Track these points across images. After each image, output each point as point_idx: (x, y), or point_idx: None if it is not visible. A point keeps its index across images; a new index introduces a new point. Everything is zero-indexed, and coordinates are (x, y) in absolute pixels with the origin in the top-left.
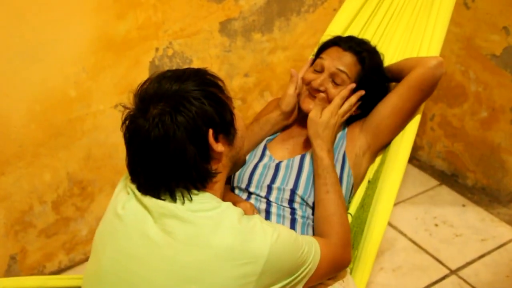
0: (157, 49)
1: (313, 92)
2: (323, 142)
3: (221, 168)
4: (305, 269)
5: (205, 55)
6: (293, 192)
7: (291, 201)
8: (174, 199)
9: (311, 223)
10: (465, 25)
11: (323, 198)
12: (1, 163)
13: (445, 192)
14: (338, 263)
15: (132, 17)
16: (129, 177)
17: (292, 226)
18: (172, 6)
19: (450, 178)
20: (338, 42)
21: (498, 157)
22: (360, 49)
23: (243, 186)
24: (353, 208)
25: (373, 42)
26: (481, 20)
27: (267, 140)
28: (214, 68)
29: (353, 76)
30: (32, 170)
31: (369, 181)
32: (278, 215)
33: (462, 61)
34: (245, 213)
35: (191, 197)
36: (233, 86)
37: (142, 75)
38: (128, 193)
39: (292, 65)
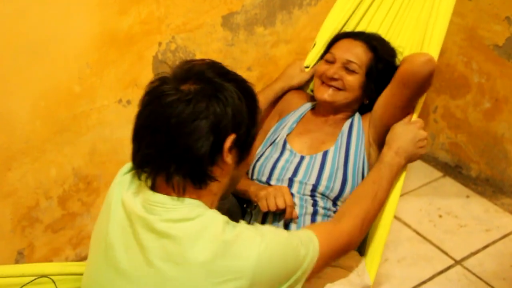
0: (160, 44)
1: (327, 81)
2: (393, 143)
3: (220, 177)
4: (301, 272)
5: (207, 49)
6: (315, 186)
7: (312, 194)
8: (169, 185)
9: (332, 214)
10: (467, 16)
11: (365, 184)
12: (7, 159)
13: (449, 183)
14: (341, 250)
15: (135, 12)
16: (124, 172)
17: (313, 217)
18: (174, 1)
19: (454, 170)
20: (349, 34)
21: (502, 148)
22: (371, 38)
23: (264, 179)
24: None
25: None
26: (483, 11)
27: (287, 134)
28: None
29: (364, 64)
30: (38, 166)
31: None
32: (301, 206)
33: (464, 52)
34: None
35: (184, 191)
36: None
37: (146, 70)
38: (117, 195)
39: (295, 58)
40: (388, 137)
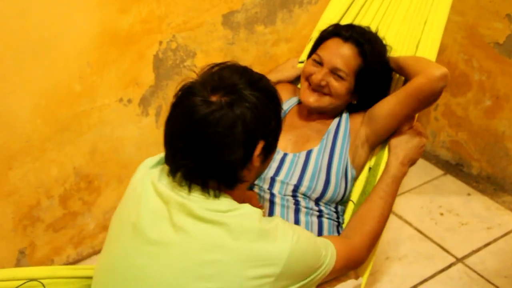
0: (160, 43)
1: (315, 87)
2: (401, 153)
3: (248, 178)
4: (321, 271)
5: (208, 47)
6: (296, 187)
7: (294, 195)
8: (204, 191)
9: (315, 213)
10: (467, 14)
11: (374, 200)
12: (8, 158)
13: (450, 181)
14: (351, 265)
15: (135, 11)
16: (150, 166)
17: (296, 215)
18: (175, 0)
19: (455, 168)
20: (338, 32)
21: (503, 146)
22: (362, 40)
23: None
24: (355, 195)
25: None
26: (484, 8)
27: None
28: (218, 61)
29: (351, 71)
30: (39, 165)
31: (370, 168)
32: (282, 206)
33: (465, 50)
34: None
35: (218, 194)
36: None
37: (146, 68)
38: (147, 185)
39: (295, 57)
40: (393, 143)
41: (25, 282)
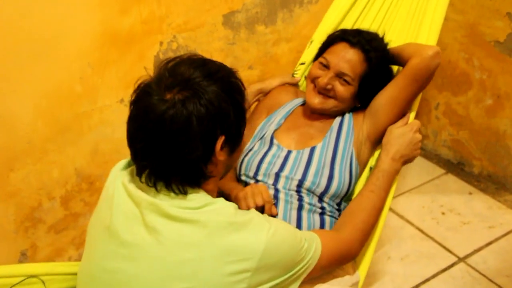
0: (161, 43)
1: (320, 90)
2: (391, 148)
3: (215, 172)
4: (303, 265)
5: (209, 48)
6: (301, 182)
7: (298, 190)
8: (169, 190)
9: (317, 210)
10: (468, 12)
11: (364, 195)
12: (9, 159)
13: (451, 180)
14: (341, 258)
15: (136, 12)
16: (121, 168)
17: (299, 212)
18: (175, 0)
19: (456, 167)
20: (346, 37)
21: (504, 144)
22: (369, 47)
23: (251, 174)
24: (355, 194)
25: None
26: (484, 7)
27: (274, 129)
28: (218, 61)
29: (357, 76)
30: (40, 166)
31: (371, 168)
32: (286, 201)
33: (465, 48)
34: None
35: (185, 191)
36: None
37: (147, 69)
38: (119, 187)
39: (296, 57)
40: (384, 141)
41: (24, 279)
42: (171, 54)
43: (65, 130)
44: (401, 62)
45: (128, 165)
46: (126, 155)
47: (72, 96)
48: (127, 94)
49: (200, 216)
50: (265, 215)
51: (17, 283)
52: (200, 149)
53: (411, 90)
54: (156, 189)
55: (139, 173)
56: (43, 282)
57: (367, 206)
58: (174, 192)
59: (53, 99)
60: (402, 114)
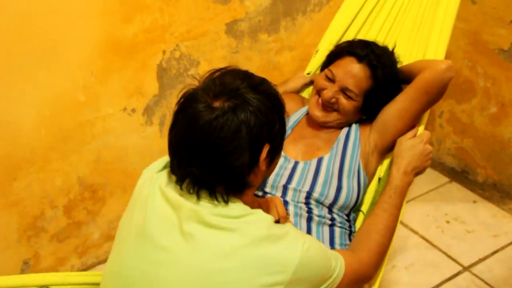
0: (164, 52)
1: (324, 102)
2: (402, 161)
3: (254, 182)
4: (330, 283)
5: (212, 56)
6: (309, 194)
7: (307, 202)
8: (212, 198)
9: (327, 221)
10: (471, 20)
11: (377, 214)
12: (12, 168)
13: (456, 188)
14: (359, 280)
15: (139, 20)
16: (156, 170)
17: (309, 224)
18: (178, 9)
19: (461, 175)
20: (354, 51)
21: (509, 152)
22: (376, 63)
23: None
24: (365, 205)
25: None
26: (487, 15)
27: None
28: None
29: (362, 92)
30: (43, 175)
31: (379, 179)
32: (295, 214)
33: (469, 56)
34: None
35: (227, 200)
36: None
37: (150, 78)
38: (155, 190)
39: (299, 65)
40: (395, 153)
41: None
42: (174, 63)
43: (68, 138)
44: (411, 77)
45: (163, 168)
46: (129, 164)
47: (75, 105)
48: (130, 103)
49: (240, 225)
50: (300, 230)
51: None
52: (247, 157)
53: (422, 103)
54: (198, 197)
55: (180, 180)
56: None
57: (380, 227)
58: (217, 200)
59: (56, 107)
60: (411, 126)
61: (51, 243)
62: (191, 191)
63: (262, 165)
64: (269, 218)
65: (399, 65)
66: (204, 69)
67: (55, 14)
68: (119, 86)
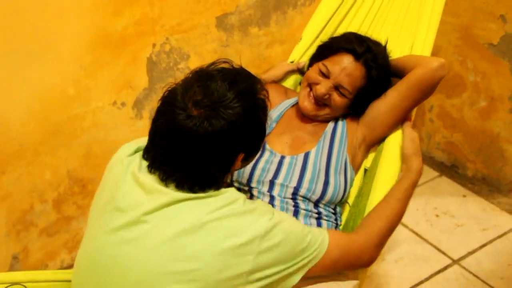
0: (154, 45)
1: (317, 97)
2: (419, 159)
3: (228, 178)
4: (307, 257)
5: (202, 50)
6: (296, 189)
7: (294, 197)
8: (178, 188)
9: (314, 215)
10: (462, 15)
11: (390, 202)
12: (1, 162)
13: (445, 183)
14: (351, 260)
15: (129, 14)
16: (127, 154)
17: (295, 217)
18: (168, 2)
19: (450, 169)
20: (352, 49)
21: (498, 147)
22: (373, 64)
23: (244, 181)
24: (351, 197)
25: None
26: (478, 9)
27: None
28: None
29: (355, 90)
30: (33, 169)
31: (366, 170)
32: (282, 208)
33: (459, 51)
34: None
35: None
36: None
37: (140, 71)
38: (126, 175)
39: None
40: (412, 150)
41: (8, 286)
42: (164, 56)
43: (58, 132)
44: (403, 73)
45: (135, 151)
46: None
47: (64, 99)
48: (120, 97)
49: (209, 201)
50: (271, 206)
51: None
52: (219, 165)
53: (414, 100)
54: (166, 185)
55: (153, 170)
56: None
57: (390, 214)
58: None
59: (45, 101)
60: (400, 122)
61: (40, 237)
62: (161, 181)
63: (237, 166)
64: (240, 196)
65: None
66: (194, 63)
67: (45, 8)
68: (108, 80)
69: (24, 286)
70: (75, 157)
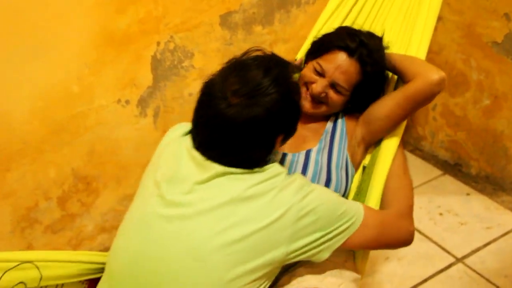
0: (158, 43)
1: (313, 96)
2: None
3: (270, 157)
4: (344, 223)
5: (206, 48)
6: None
7: None
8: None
9: None
10: (465, 13)
11: (401, 176)
12: (5, 159)
13: (449, 181)
14: (391, 232)
15: (133, 12)
16: (181, 134)
17: None
18: (172, 0)
19: (454, 168)
20: (345, 46)
21: (501, 145)
22: (367, 60)
23: None
24: (350, 194)
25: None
26: (481, 7)
27: None
28: (216, 61)
29: (351, 86)
30: (37, 166)
31: (364, 167)
32: None
33: (463, 49)
34: None
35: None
36: None
37: (144, 69)
38: (182, 150)
39: (293, 58)
40: None
41: (19, 264)
42: (168, 55)
43: (62, 130)
44: (401, 76)
45: (186, 134)
46: (123, 156)
47: (68, 96)
48: (124, 94)
49: (255, 175)
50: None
51: (11, 268)
52: (262, 148)
53: (410, 110)
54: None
55: (201, 152)
56: (37, 268)
57: (405, 182)
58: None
59: (49, 99)
60: (398, 125)
61: (45, 234)
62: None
63: (277, 147)
64: (282, 170)
65: (387, 51)
66: (198, 61)
67: (48, 6)
68: (113, 78)
69: (36, 265)
70: (79, 155)
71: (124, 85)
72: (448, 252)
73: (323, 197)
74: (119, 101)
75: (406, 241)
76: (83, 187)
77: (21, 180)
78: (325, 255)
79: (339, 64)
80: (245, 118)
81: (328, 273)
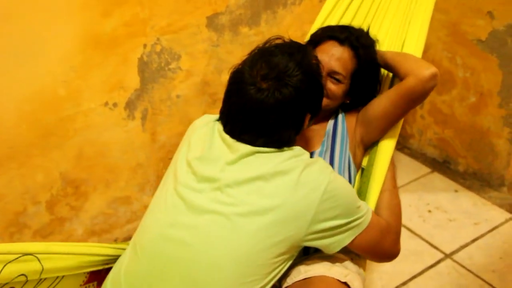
0: (145, 46)
1: None
2: None
3: (297, 137)
4: (358, 218)
5: (193, 50)
6: None
7: None
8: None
9: None
10: (451, 11)
11: (393, 192)
12: None
13: (437, 179)
14: (387, 241)
15: (119, 14)
16: (213, 119)
17: None
18: (158, 2)
19: (442, 165)
20: (334, 35)
21: (488, 141)
22: (357, 44)
23: None
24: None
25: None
26: (466, 6)
27: None
28: (203, 63)
29: (348, 73)
30: (25, 170)
31: (363, 168)
32: None
33: (448, 47)
34: None
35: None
36: (222, 80)
37: (131, 72)
38: (214, 132)
39: None
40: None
41: (20, 256)
42: (155, 57)
43: (49, 134)
44: (394, 73)
45: (216, 120)
46: (111, 159)
47: (55, 100)
48: (112, 97)
49: (283, 153)
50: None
51: (12, 260)
52: (292, 128)
53: (406, 108)
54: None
55: (232, 136)
56: (38, 259)
57: (396, 200)
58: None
59: (36, 103)
60: (394, 125)
61: (34, 239)
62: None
63: (305, 126)
64: (306, 151)
65: (378, 46)
66: (185, 63)
67: (34, 9)
68: (100, 81)
69: (37, 257)
70: (68, 158)
71: (112, 88)
72: (437, 248)
73: (345, 186)
74: (106, 104)
75: (392, 256)
76: (71, 190)
77: (9, 184)
78: (336, 248)
79: (332, 52)
80: (276, 99)
81: (335, 263)
